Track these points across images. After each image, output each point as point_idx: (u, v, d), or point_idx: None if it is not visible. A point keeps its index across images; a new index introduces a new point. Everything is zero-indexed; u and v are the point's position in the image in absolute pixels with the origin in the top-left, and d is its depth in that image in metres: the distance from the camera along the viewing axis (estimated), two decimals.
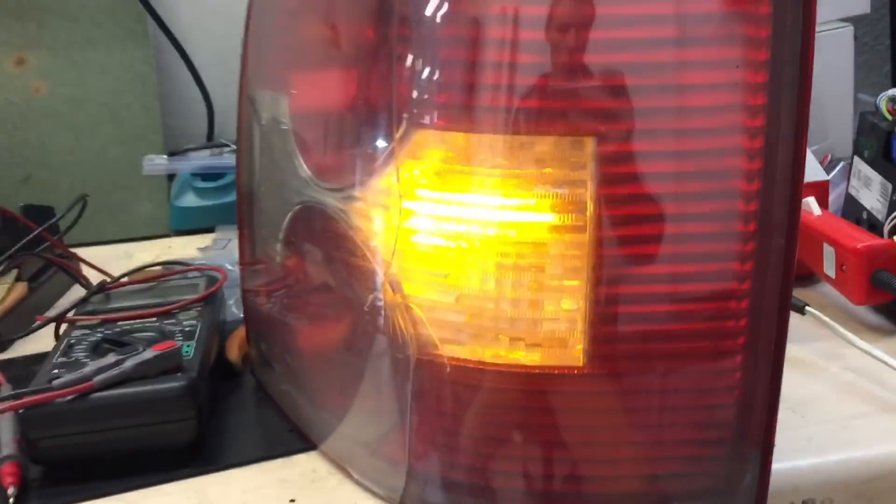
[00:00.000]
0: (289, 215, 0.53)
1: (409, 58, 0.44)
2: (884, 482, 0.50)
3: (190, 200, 0.91)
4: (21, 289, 0.75)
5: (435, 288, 0.44)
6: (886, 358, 0.57)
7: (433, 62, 0.43)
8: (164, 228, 0.94)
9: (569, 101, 0.41)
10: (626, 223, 0.42)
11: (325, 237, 0.49)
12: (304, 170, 0.50)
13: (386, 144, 0.45)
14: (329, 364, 0.52)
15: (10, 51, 0.94)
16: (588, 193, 0.41)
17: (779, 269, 0.41)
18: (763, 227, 0.41)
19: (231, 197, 0.91)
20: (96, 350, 0.58)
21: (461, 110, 0.43)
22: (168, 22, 0.99)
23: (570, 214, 0.42)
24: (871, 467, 0.50)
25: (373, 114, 0.46)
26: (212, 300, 0.65)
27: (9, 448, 0.52)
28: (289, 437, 0.55)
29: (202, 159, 0.92)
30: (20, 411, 0.51)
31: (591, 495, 0.45)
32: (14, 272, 0.75)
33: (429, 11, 0.43)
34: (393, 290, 0.45)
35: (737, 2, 0.40)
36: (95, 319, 0.62)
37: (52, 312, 0.76)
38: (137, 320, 0.61)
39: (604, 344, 0.43)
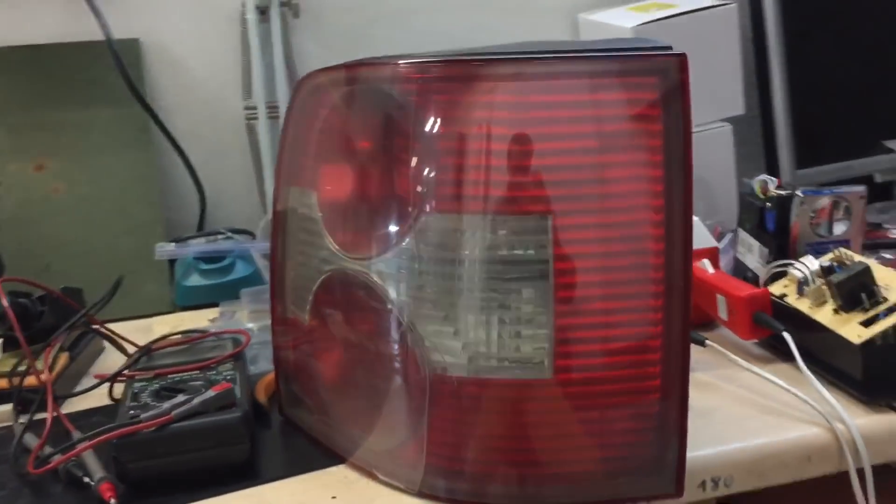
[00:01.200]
0: (318, 281, 0.69)
1: (414, 161, 0.62)
2: (769, 462, 0.68)
3: (195, 280, 1.06)
4: (65, 357, 0.88)
5: (438, 325, 0.61)
6: (770, 376, 0.76)
7: (434, 165, 0.61)
8: (168, 305, 1.09)
9: (527, 191, 0.60)
10: (574, 273, 0.60)
11: (353, 294, 0.66)
12: (333, 245, 0.67)
13: (399, 226, 0.63)
14: (356, 394, 0.68)
15: (31, 158, 1.09)
16: (549, 253, 0.59)
17: (680, 300, 0.60)
18: (668, 274, 0.60)
19: (229, 276, 1.07)
20: (158, 396, 0.73)
21: (454, 199, 0.61)
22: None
23: (537, 268, 0.60)
24: (760, 452, 0.68)
25: (389, 203, 0.64)
26: (240, 356, 0.80)
27: (99, 472, 0.67)
28: (320, 456, 0.70)
29: (205, 245, 1.07)
30: (114, 441, 0.66)
31: (558, 475, 0.62)
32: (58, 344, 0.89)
33: (428, 129, 0.61)
34: (411, 329, 0.62)
35: (638, 122, 0.60)
36: (150, 374, 0.77)
37: (88, 376, 0.91)
38: (185, 373, 0.76)
39: (564, 361, 0.60)
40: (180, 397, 0.69)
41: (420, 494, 0.63)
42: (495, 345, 0.61)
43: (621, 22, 1.17)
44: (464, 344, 0.61)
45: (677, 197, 0.59)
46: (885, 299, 0.75)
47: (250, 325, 0.95)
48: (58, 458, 0.68)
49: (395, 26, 1.26)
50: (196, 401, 0.68)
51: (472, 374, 0.61)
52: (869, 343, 0.73)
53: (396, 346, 0.63)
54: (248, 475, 0.68)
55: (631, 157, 0.60)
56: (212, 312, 1.03)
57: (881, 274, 0.78)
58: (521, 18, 1.31)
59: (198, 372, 0.77)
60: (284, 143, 0.72)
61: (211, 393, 0.69)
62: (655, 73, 0.59)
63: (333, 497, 0.65)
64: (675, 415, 0.61)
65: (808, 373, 0.74)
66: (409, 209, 0.62)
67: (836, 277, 0.76)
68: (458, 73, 0.61)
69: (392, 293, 0.63)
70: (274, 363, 0.77)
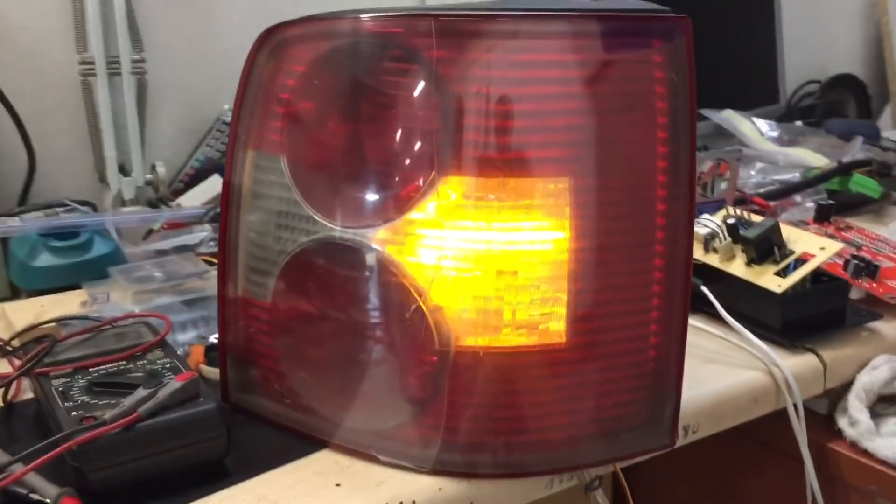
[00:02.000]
0: (290, 254, 0.63)
1: (425, 123, 0.58)
2: (726, 406, 0.73)
3: (46, 260, 0.91)
4: None
5: (456, 294, 0.59)
6: (705, 327, 0.81)
7: (448, 127, 0.58)
8: (4, 289, 0.94)
9: (544, 152, 0.59)
10: (588, 237, 0.60)
11: (345, 266, 0.61)
12: (315, 214, 0.61)
13: (407, 191, 0.59)
14: (346, 373, 0.63)
15: None
16: (566, 216, 0.59)
17: (683, 258, 0.61)
18: (671, 234, 0.61)
19: (89, 254, 0.94)
20: (93, 393, 0.63)
21: (471, 162, 0.58)
22: None
23: (554, 233, 0.59)
24: (717, 398, 0.73)
25: (390, 167, 0.60)
26: (165, 342, 0.71)
27: (51, 487, 0.56)
28: (295, 442, 0.65)
29: (55, 220, 0.93)
30: (73, 449, 0.56)
31: (572, 437, 0.62)
32: None
33: (444, 88, 0.58)
34: (428, 299, 0.58)
35: (645, 83, 0.60)
36: (68, 368, 0.66)
37: None
38: (109, 364, 0.67)
39: (578, 325, 0.60)
40: (142, 391, 0.60)
41: (434, 472, 0.60)
42: (514, 312, 0.59)
43: None
44: (483, 312, 0.59)
45: (683, 159, 0.61)
46: (793, 252, 0.83)
47: (133, 308, 0.84)
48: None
49: None
50: (161, 394, 0.60)
51: (492, 344, 0.59)
52: (785, 291, 0.80)
53: (408, 318, 0.59)
54: (223, 473, 0.61)
55: (638, 118, 0.61)
56: (76, 295, 0.90)
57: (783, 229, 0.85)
58: None
59: (124, 363, 0.68)
60: (242, 105, 0.64)
61: (176, 383, 0.61)
62: (661, 35, 0.60)
63: (338, 484, 0.60)
64: (674, 368, 0.63)
65: (735, 322, 0.79)
66: (417, 173, 0.58)
67: (751, 233, 0.83)
68: (476, 27, 0.58)
69: (402, 263, 0.59)
70: (220, 348, 0.69)
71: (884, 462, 0.75)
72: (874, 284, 0.89)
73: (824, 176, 1.21)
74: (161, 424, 0.59)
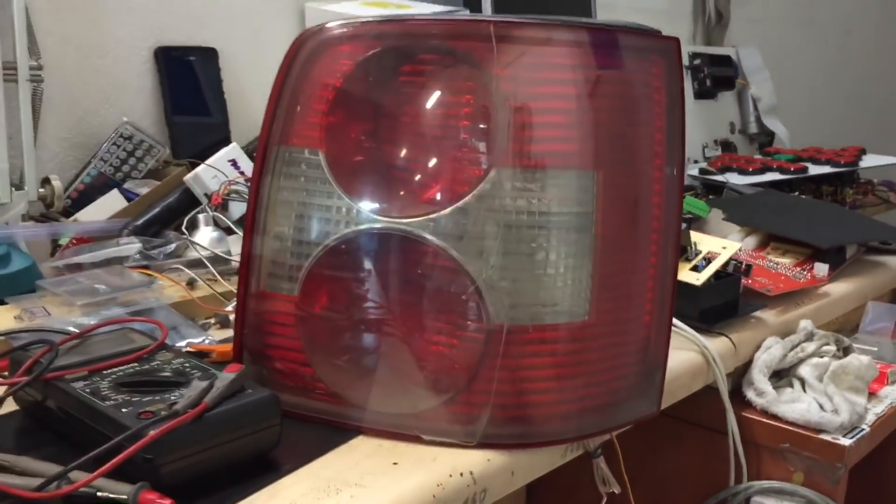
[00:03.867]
0: (324, 246, 0.65)
1: (475, 118, 0.64)
2: (676, 383, 0.83)
3: None
4: None
5: (500, 277, 0.64)
6: None
7: (496, 124, 0.63)
8: None
9: (575, 146, 0.66)
10: (609, 226, 0.67)
11: (395, 254, 0.64)
12: (354, 206, 0.64)
13: (455, 184, 0.63)
14: (385, 360, 0.65)
15: None
16: (593, 206, 0.66)
17: (674, 243, 0.71)
18: (664, 226, 0.71)
19: (8, 269, 0.87)
20: (123, 392, 0.61)
21: (515, 155, 0.64)
22: None
23: (586, 220, 0.66)
24: (669, 375, 0.82)
25: (435, 160, 0.64)
26: (167, 343, 0.70)
27: (121, 486, 0.54)
28: (326, 432, 0.66)
29: None
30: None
31: (587, 408, 0.69)
32: None
33: (486, 87, 0.64)
34: (476, 283, 0.63)
35: (649, 90, 0.69)
36: (84, 371, 0.63)
37: None
38: (124, 365, 0.64)
39: (598, 304, 0.67)
40: (199, 383, 0.59)
41: (481, 446, 0.64)
42: (553, 292, 0.65)
43: (366, 15, 1.22)
44: (527, 293, 0.64)
45: (676, 160, 0.70)
46: (700, 251, 0.96)
47: (87, 320, 0.80)
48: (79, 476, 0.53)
49: None
50: (219, 384, 0.59)
51: (536, 322, 0.65)
52: (703, 284, 0.92)
53: (461, 301, 0.63)
54: (275, 463, 0.61)
55: (643, 120, 0.69)
56: (5, 311, 0.83)
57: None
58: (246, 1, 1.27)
59: (136, 365, 0.65)
60: (278, 102, 0.65)
61: (229, 375, 0.60)
62: (660, 52, 0.69)
63: (395, 463, 0.62)
64: (663, 342, 0.72)
65: None
66: (465, 167, 0.64)
67: None
68: (525, 33, 0.64)
69: (452, 248, 0.63)
70: (235, 345, 0.69)
71: (791, 423, 0.89)
72: (750, 281, 1.04)
73: None
74: (226, 414, 0.58)
